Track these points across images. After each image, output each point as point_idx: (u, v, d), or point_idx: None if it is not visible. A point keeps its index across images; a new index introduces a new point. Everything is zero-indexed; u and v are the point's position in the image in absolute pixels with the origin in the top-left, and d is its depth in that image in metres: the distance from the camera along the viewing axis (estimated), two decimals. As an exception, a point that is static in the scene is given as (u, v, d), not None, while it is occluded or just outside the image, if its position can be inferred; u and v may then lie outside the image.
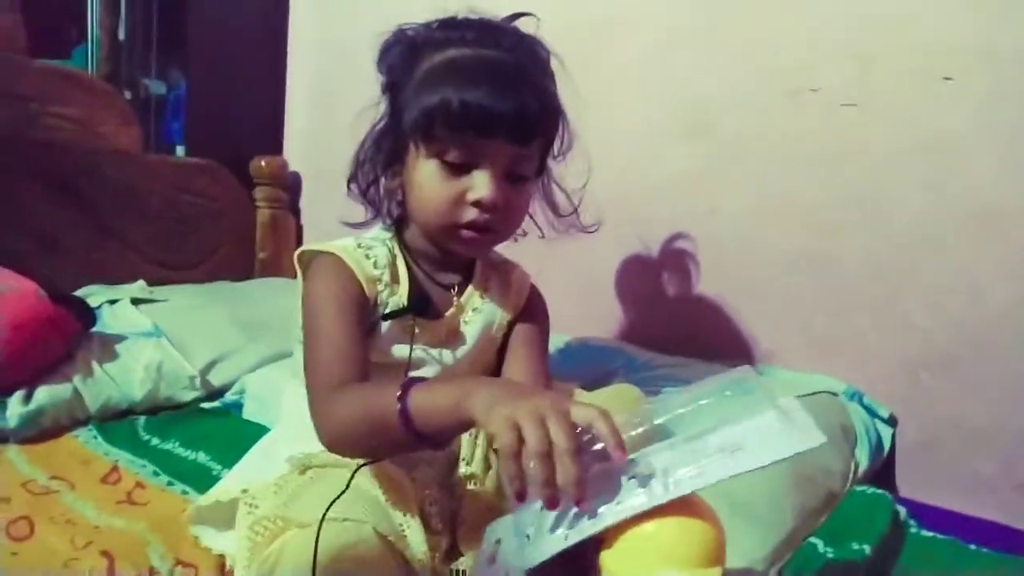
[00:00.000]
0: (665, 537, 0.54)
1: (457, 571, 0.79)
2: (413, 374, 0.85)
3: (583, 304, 1.50)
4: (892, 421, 1.21)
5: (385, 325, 0.85)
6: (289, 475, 0.82)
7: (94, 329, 1.30)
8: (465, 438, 0.88)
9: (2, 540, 0.84)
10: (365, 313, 0.84)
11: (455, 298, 0.91)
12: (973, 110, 1.11)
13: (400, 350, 0.86)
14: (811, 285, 1.28)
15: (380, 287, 0.85)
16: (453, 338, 0.90)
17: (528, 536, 0.58)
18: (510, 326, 0.96)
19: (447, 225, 0.83)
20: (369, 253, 0.86)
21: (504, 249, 0.97)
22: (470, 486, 0.86)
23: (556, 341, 1.35)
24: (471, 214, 0.82)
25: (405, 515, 0.77)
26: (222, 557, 0.84)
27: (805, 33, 1.26)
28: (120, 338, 1.30)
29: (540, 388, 0.84)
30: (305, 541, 0.69)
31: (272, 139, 2.06)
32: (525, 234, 0.94)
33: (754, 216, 1.33)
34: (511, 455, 0.54)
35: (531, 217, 0.93)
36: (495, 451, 0.79)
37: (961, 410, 1.16)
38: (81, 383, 1.19)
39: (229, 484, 0.88)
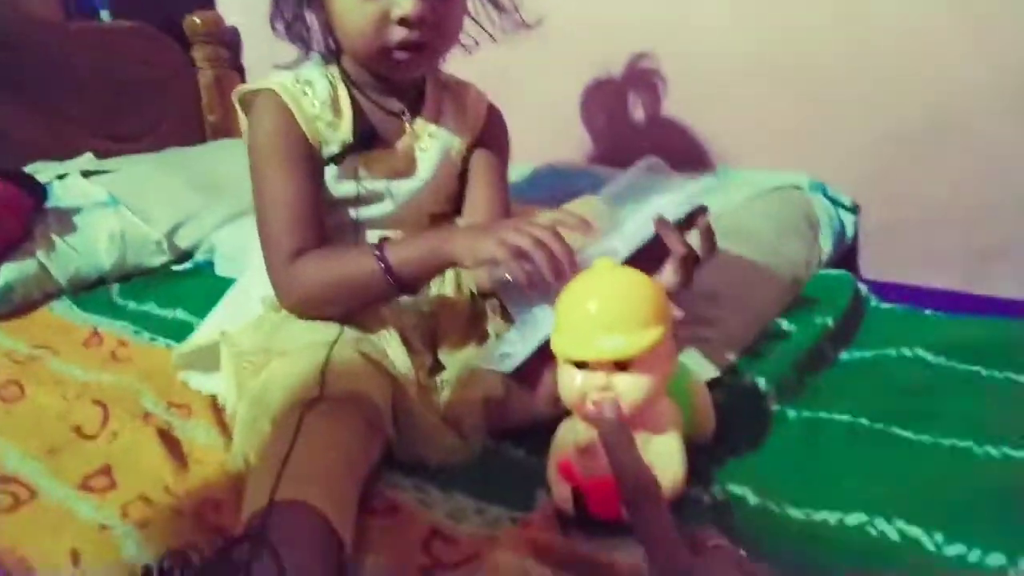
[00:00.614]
0: (604, 309, 0.57)
1: (442, 382, 0.82)
2: (365, 209, 0.85)
3: (550, 129, 1.47)
4: (855, 209, 1.24)
5: (331, 168, 0.83)
6: (265, 315, 0.84)
7: (47, 204, 1.27)
8: None
9: (-6, 403, 0.86)
10: (312, 161, 0.82)
11: (406, 125, 0.88)
12: None
13: (350, 187, 0.84)
14: (778, 82, 1.25)
15: (321, 126, 0.82)
16: (409, 168, 0.88)
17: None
18: (469, 150, 0.94)
19: (376, 50, 0.79)
20: (307, 89, 0.83)
21: (464, 71, 0.93)
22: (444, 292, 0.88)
23: (522, 168, 1.34)
24: (399, 34, 0.77)
25: (384, 334, 0.80)
26: (214, 397, 0.86)
27: None
28: (76, 210, 1.28)
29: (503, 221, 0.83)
30: (291, 364, 0.71)
31: (202, -7, 1.92)
32: (477, 44, 0.90)
33: (721, 20, 1.28)
34: (512, 257, 0.65)
35: (477, 22, 0.88)
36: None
37: (923, 188, 1.17)
38: (45, 257, 1.18)
39: (207, 329, 0.90)
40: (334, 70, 0.86)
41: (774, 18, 1.24)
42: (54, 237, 1.21)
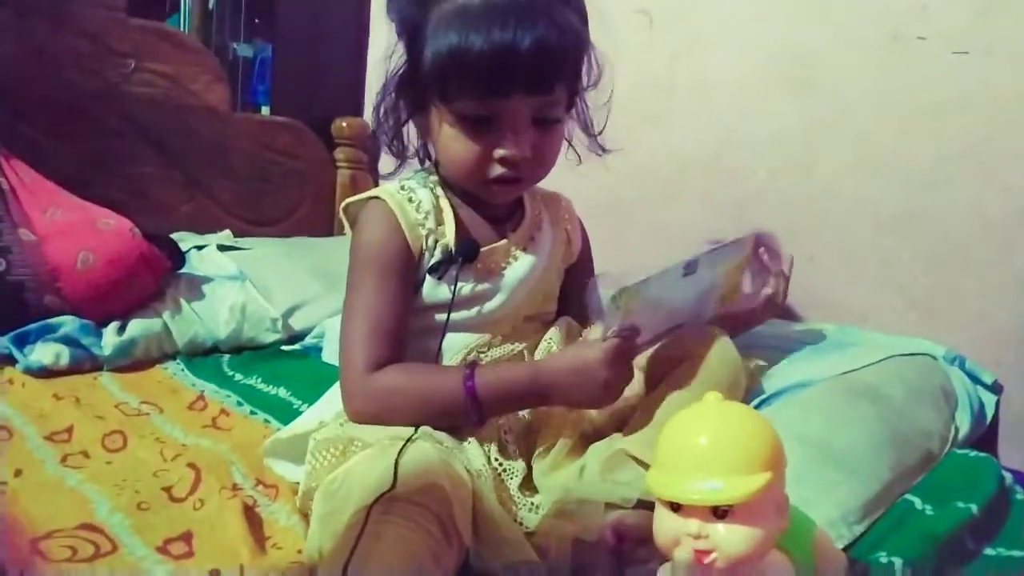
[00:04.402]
0: (704, 448, 0.52)
1: (534, 505, 0.78)
2: (454, 314, 0.83)
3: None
4: (996, 388, 1.13)
5: (430, 280, 0.84)
6: None
7: (182, 270, 1.34)
8: None
9: (98, 450, 0.88)
10: (408, 274, 0.83)
11: (509, 232, 0.89)
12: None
13: (445, 293, 0.83)
14: (912, 245, 1.21)
15: (424, 232, 0.83)
16: (497, 276, 0.87)
17: None
18: (569, 264, 0.97)
19: (476, 182, 0.82)
20: (412, 196, 0.85)
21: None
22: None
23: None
24: (499, 170, 0.80)
25: (468, 436, 0.78)
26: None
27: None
28: (207, 280, 1.34)
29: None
30: (369, 458, 0.68)
31: (353, 102, 2.08)
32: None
33: (853, 173, 1.26)
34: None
35: (571, 144, 0.91)
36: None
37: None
38: (170, 319, 1.23)
39: (304, 421, 0.89)
40: (433, 180, 0.88)
41: (902, 174, 1.21)
42: (182, 301, 1.27)
